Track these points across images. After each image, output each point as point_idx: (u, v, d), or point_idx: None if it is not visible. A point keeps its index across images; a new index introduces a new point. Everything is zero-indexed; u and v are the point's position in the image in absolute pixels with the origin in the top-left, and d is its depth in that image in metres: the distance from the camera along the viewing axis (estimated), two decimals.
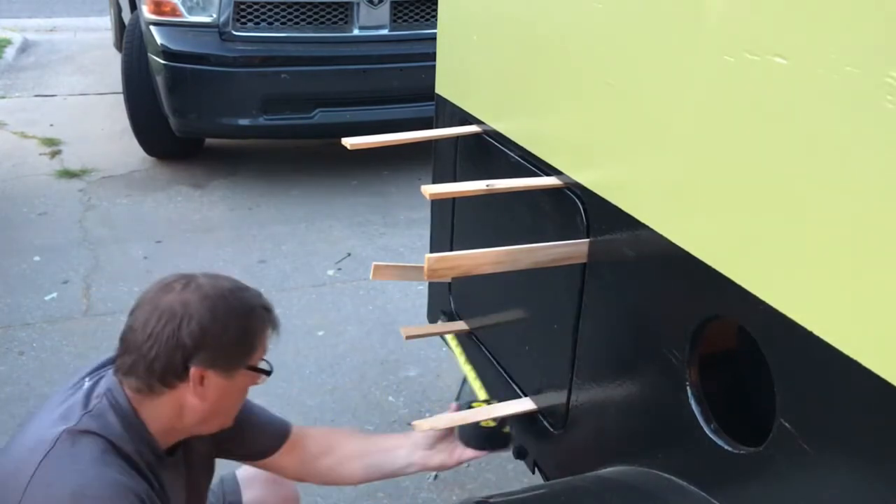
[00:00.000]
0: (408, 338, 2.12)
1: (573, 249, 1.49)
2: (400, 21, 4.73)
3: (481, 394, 1.90)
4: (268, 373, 1.52)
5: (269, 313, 1.51)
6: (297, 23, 4.55)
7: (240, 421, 1.61)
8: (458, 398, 2.92)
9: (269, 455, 1.69)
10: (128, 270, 3.76)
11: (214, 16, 4.40)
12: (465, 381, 2.94)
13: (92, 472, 1.31)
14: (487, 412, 1.75)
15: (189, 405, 1.42)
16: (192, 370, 1.38)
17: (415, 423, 1.66)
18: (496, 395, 1.89)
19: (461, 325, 2.07)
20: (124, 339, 1.42)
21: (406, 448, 1.72)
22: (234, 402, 1.50)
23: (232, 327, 1.41)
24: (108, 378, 1.44)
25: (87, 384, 1.43)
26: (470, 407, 1.75)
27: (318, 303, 3.59)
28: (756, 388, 1.22)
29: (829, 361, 0.96)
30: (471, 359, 2.05)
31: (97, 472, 1.31)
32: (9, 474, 1.33)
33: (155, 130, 4.91)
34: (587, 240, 1.48)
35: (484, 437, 1.70)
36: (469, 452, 1.70)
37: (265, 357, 1.53)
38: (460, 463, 1.72)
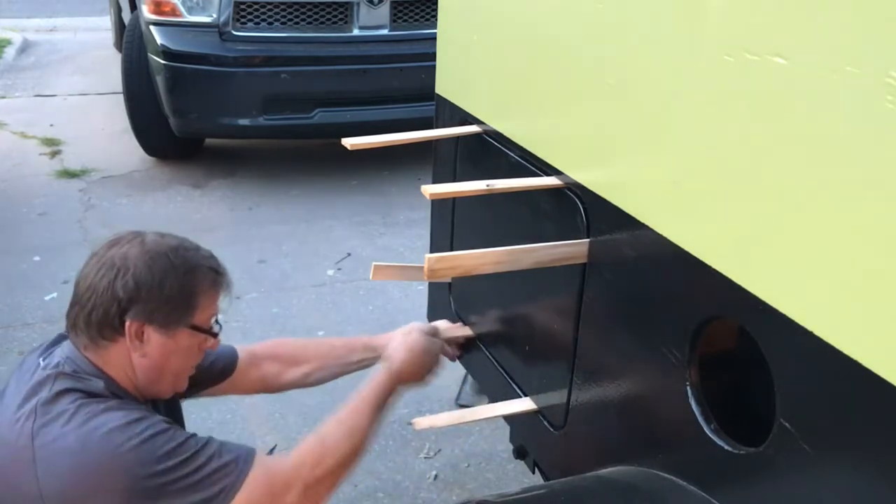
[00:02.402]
0: None
1: (573, 249, 1.49)
2: (400, 21, 4.73)
3: None
4: (213, 335, 1.50)
5: (217, 275, 1.49)
6: (297, 23, 4.55)
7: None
8: (458, 398, 2.92)
9: (229, 375, 1.73)
10: None
11: (214, 16, 4.40)
12: (465, 380, 2.93)
13: (86, 420, 1.31)
14: (487, 412, 1.75)
15: (134, 361, 1.41)
16: (128, 323, 1.38)
17: (414, 420, 1.66)
18: (496, 395, 1.89)
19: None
20: (73, 293, 1.43)
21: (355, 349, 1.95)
22: (180, 362, 1.48)
23: (168, 283, 1.40)
24: (62, 347, 1.44)
25: (41, 363, 1.43)
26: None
27: (318, 303, 3.58)
28: (756, 387, 1.22)
29: (830, 362, 0.95)
30: (471, 359, 2.05)
31: (91, 415, 1.32)
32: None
33: (155, 130, 4.91)
34: (587, 240, 1.47)
35: None
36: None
37: (218, 319, 1.51)
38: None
